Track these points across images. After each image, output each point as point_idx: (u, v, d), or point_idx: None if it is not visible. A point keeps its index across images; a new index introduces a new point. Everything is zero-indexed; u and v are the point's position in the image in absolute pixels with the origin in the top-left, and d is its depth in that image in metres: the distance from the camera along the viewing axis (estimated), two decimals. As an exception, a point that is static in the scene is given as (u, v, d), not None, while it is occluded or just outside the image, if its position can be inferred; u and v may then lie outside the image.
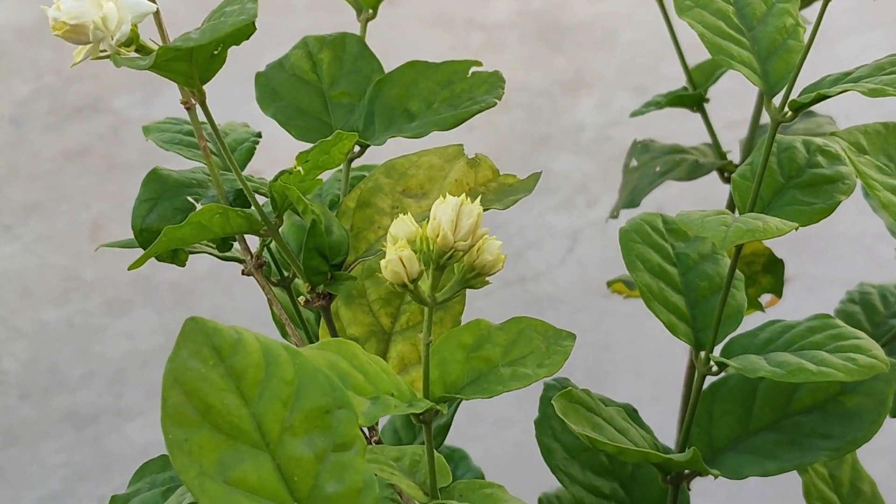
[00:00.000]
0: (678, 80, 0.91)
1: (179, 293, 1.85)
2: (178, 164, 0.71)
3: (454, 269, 0.56)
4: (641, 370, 1.69)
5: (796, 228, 0.58)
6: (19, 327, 1.81)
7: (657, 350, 1.72)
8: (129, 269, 0.61)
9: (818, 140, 0.63)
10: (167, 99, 2.18)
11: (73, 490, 1.58)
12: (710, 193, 1.31)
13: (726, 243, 0.56)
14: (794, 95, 0.61)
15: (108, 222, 1.98)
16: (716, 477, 0.65)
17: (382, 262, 0.54)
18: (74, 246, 1.94)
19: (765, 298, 0.84)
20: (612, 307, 1.77)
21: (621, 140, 2.03)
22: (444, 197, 0.54)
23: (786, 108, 0.60)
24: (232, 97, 1.11)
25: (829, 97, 0.58)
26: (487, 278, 0.56)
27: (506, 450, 1.58)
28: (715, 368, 0.65)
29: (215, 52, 0.59)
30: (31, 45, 2.31)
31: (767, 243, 0.83)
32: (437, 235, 0.54)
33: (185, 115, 0.70)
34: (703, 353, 0.65)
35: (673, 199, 1.64)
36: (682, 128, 1.34)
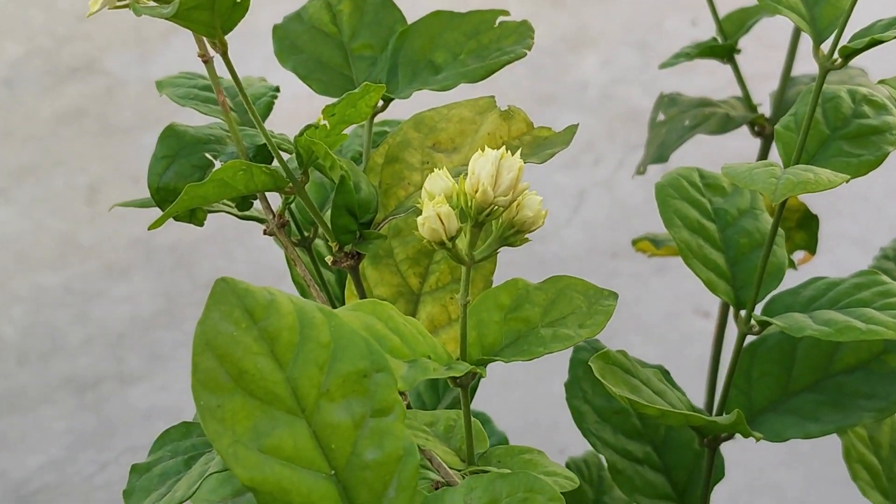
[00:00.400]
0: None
1: (178, 256, 1.82)
2: (178, 122, 0.68)
3: (492, 227, 0.53)
4: (649, 331, 1.67)
5: (847, 181, 0.56)
6: (17, 292, 1.79)
7: (665, 310, 1.70)
8: (149, 229, 0.59)
9: (863, 89, 0.61)
10: (163, 59, 2.15)
11: (75, 457, 1.56)
12: (719, 151, 1.28)
13: (777, 196, 0.53)
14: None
15: (105, 185, 1.95)
16: (758, 440, 0.62)
17: (419, 220, 0.52)
18: (71, 209, 1.92)
19: (797, 256, 0.82)
20: (618, 267, 1.75)
21: (626, 98, 2.01)
22: (483, 150, 0.52)
23: (835, 55, 0.58)
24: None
25: (882, 42, 0.56)
26: (527, 235, 0.54)
27: (511, 411, 1.57)
28: (757, 328, 0.62)
29: (238, 1, 0.57)
30: (22, 6, 2.27)
31: (802, 198, 0.80)
32: (477, 191, 0.52)
33: (199, 69, 0.67)
34: (743, 312, 0.63)
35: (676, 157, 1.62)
36: (687, 85, 1.32)
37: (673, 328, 1.67)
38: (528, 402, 1.58)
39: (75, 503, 1.49)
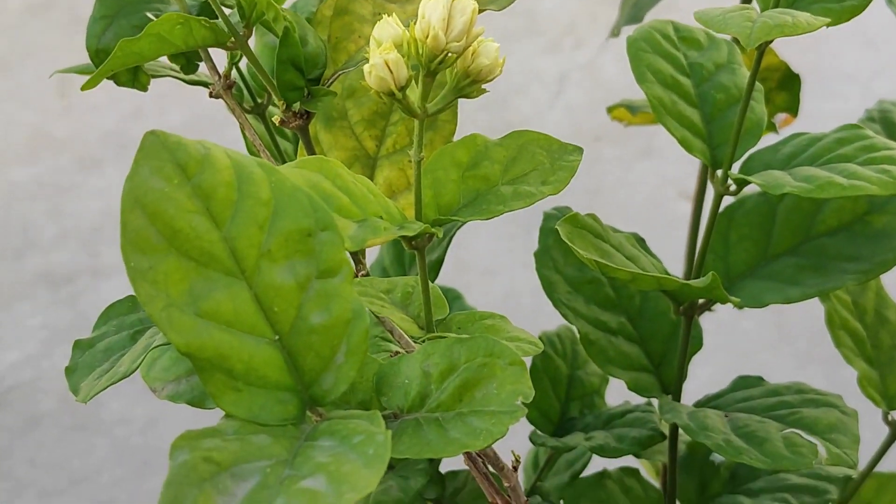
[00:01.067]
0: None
1: (153, 149, 1.78)
2: None
3: (446, 76, 0.50)
4: (633, 215, 1.64)
5: (827, 25, 0.52)
6: (-12, 187, 1.75)
7: (648, 194, 1.67)
8: (82, 90, 0.55)
9: (847, -70, 0.57)
10: (132, -53, 2.09)
11: (51, 352, 1.53)
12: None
13: (752, 40, 0.50)
14: None
15: (76, 77, 1.90)
16: (736, 305, 0.59)
17: (366, 68, 0.48)
18: (42, 103, 1.87)
19: (778, 118, 0.78)
20: (602, 151, 1.71)
21: (608, -21, 1.95)
22: (434, -6, 0.48)
23: None
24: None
25: None
26: (483, 86, 0.50)
27: (493, 300, 1.54)
28: (734, 187, 0.59)
29: None
30: None
31: (783, 56, 0.76)
32: (427, 36, 0.48)
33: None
34: (720, 172, 0.60)
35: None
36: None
37: (657, 212, 1.63)
38: (508, 289, 1.56)
39: (52, 399, 1.47)
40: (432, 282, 0.68)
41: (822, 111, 1.71)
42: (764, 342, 1.46)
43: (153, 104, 1.84)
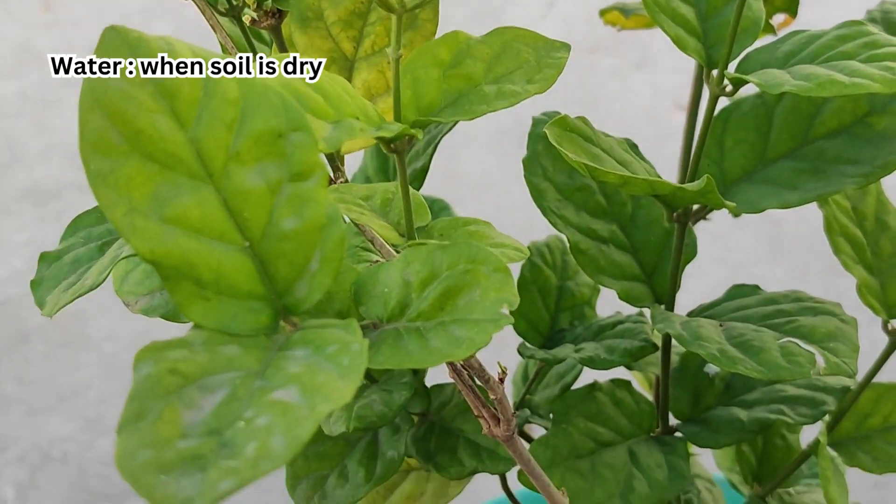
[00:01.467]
0: None
1: (139, 62, 1.75)
2: None
3: (426, -31, 0.47)
4: (628, 126, 1.62)
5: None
6: (-28, 102, 1.72)
7: (644, 106, 1.64)
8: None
9: None
10: None
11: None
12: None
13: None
14: None
15: (60, -11, 1.86)
16: (732, 212, 0.57)
17: (340, -41, 0.45)
18: (26, 16, 1.83)
19: (777, 19, 0.75)
20: (597, 63, 1.68)
21: None
22: None
23: None
24: None
25: None
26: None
27: (486, 214, 1.52)
28: (730, 87, 0.56)
29: None
30: None
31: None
32: (405, -76, 0.45)
33: None
34: (715, 72, 0.57)
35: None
36: None
37: (652, 123, 1.61)
38: (501, 202, 1.53)
39: (39, 315, 1.45)
40: (418, 189, 0.65)
41: (824, 19, 1.67)
42: (760, 255, 1.44)
43: (139, 17, 1.81)
